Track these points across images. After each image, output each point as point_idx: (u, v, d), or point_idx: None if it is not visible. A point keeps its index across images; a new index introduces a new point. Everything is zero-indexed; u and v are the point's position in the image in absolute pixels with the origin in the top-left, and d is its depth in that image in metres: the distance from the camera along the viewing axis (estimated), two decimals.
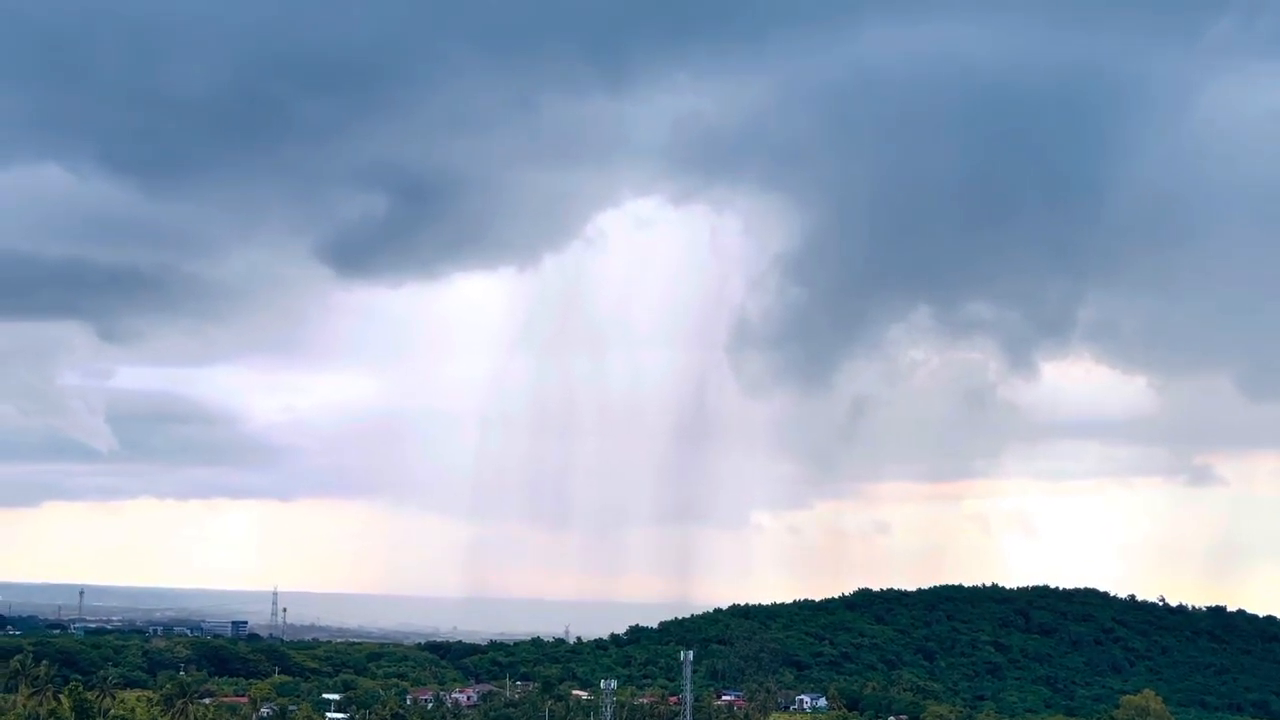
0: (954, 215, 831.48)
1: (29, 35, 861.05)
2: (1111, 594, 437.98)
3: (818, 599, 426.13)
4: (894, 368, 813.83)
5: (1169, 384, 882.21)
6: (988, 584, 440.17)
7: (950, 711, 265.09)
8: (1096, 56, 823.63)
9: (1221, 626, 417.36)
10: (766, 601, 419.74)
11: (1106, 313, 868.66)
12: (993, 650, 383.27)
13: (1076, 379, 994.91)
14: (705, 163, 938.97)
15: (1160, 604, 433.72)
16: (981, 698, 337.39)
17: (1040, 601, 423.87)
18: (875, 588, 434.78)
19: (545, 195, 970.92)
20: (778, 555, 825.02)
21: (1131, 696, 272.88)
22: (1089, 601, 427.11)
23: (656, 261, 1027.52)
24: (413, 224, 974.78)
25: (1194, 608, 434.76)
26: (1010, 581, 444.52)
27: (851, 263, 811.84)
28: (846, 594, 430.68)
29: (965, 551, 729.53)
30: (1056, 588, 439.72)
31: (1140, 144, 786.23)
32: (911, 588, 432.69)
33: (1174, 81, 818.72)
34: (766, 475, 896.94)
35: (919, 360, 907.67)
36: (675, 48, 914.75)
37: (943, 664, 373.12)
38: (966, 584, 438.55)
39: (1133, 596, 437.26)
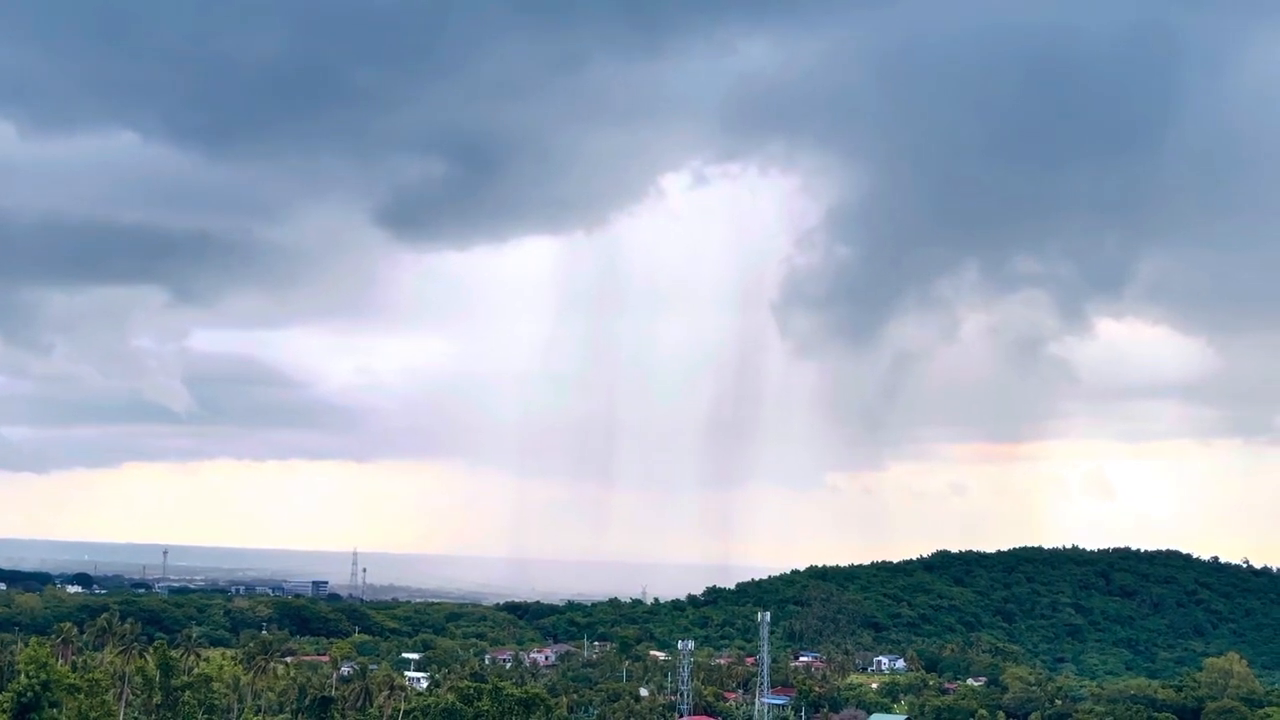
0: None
1: (92, 1, 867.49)
2: (1194, 556, 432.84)
3: (895, 560, 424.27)
4: (949, 322, 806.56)
5: (1230, 343, 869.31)
6: (1068, 546, 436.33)
7: (1030, 674, 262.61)
8: (1150, 11, 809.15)
9: None
10: (844, 563, 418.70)
11: (1162, 271, 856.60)
12: (1073, 612, 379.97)
13: (1138, 338, 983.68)
14: (759, 122, 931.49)
15: (1244, 566, 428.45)
16: (1061, 660, 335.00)
17: (1121, 564, 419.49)
18: (953, 549, 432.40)
19: (603, 157, 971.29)
20: (847, 516, 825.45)
21: (1215, 659, 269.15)
22: (1171, 563, 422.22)
23: (716, 222, 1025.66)
24: (474, 187, 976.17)
25: (1279, 570, 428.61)
26: (1090, 543, 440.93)
27: (905, 217, 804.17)
28: (925, 555, 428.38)
29: (1038, 512, 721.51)
30: (1138, 550, 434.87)
31: (1195, 98, 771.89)
32: (989, 549, 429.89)
33: (1227, 35, 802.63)
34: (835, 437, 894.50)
35: (972, 317, 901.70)
36: (723, 7, 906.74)
37: (1022, 626, 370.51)
38: (1046, 546, 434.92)
39: (1215, 558, 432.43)
